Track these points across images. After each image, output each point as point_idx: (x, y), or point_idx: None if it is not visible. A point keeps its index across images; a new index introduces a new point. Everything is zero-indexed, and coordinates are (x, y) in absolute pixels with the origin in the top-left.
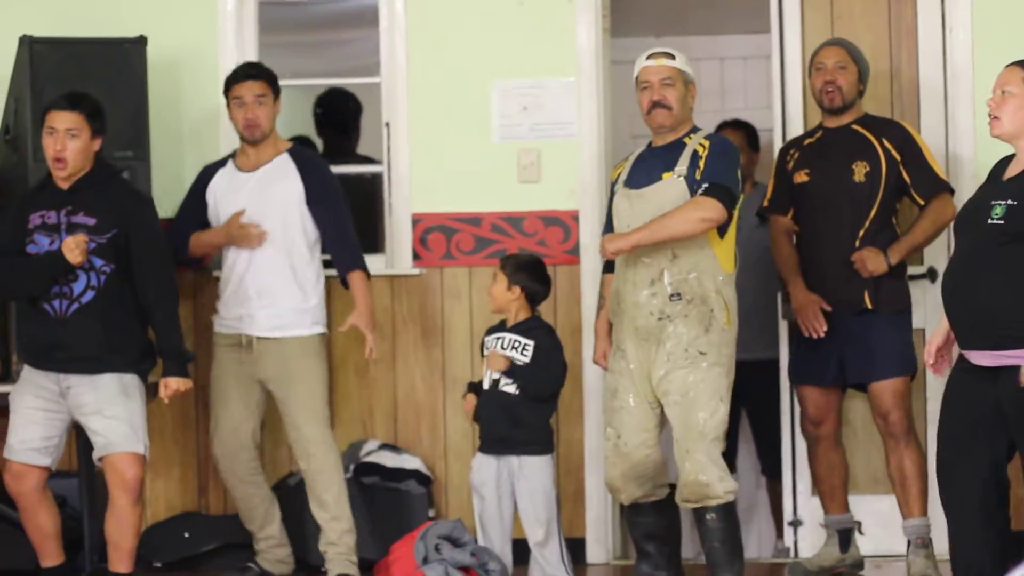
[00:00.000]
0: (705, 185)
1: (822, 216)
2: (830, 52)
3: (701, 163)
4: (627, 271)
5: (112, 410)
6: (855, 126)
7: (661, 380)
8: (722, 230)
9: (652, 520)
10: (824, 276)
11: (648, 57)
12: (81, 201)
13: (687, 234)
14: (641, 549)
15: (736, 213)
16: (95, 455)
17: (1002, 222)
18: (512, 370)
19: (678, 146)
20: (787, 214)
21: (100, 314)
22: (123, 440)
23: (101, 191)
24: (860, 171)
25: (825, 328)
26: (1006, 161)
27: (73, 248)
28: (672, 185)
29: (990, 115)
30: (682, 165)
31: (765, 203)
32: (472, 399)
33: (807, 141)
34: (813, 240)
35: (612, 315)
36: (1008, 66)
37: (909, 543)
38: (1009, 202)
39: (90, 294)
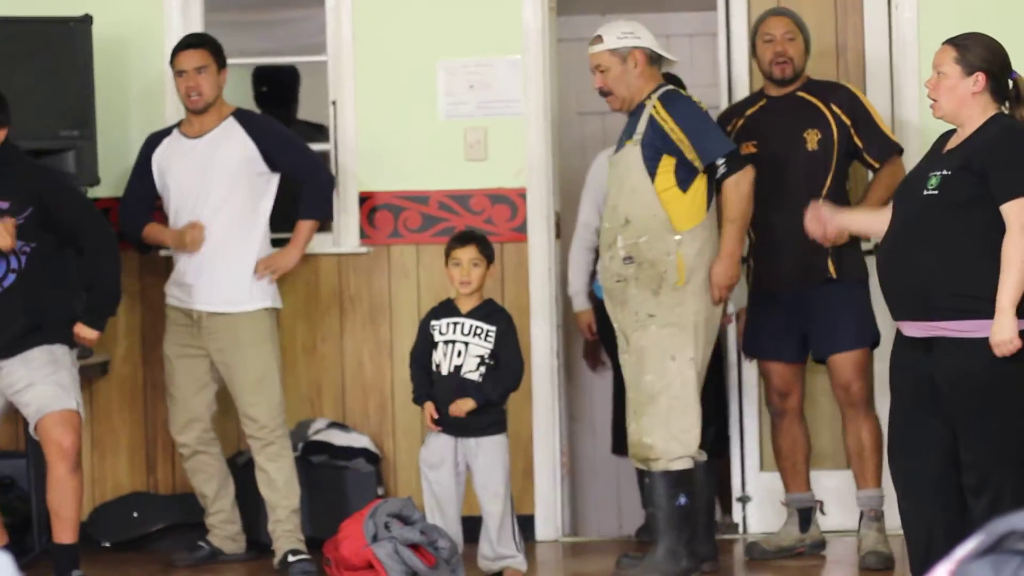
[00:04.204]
0: (721, 167)
1: (777, 188)
2: (777, 23)
3: (667, 129)
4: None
5: (42, 379)
6: (801, 93)
7: (629, 340)
8: (684, 184)
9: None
10: (784, 249)
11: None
12: None
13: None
14: (641, 531)
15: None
16: (31, 427)
17: (936, 192)
18: (481, 402)
19: (639, 110)
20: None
21: (23, 295)
22: (53, 400)
23: (9, 173)
24: (812, 139)
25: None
26: (948, 135)
27: (2, 232)
28: (631, 152)
29: (929, 97)
30: (638, 134)
31: None
32: (431, 409)
33: (749, 111)
34: (769, 213)
35: None
36: (943, 44)
37: (862, 515)
38: (944, 173)
39: (11, 277)
